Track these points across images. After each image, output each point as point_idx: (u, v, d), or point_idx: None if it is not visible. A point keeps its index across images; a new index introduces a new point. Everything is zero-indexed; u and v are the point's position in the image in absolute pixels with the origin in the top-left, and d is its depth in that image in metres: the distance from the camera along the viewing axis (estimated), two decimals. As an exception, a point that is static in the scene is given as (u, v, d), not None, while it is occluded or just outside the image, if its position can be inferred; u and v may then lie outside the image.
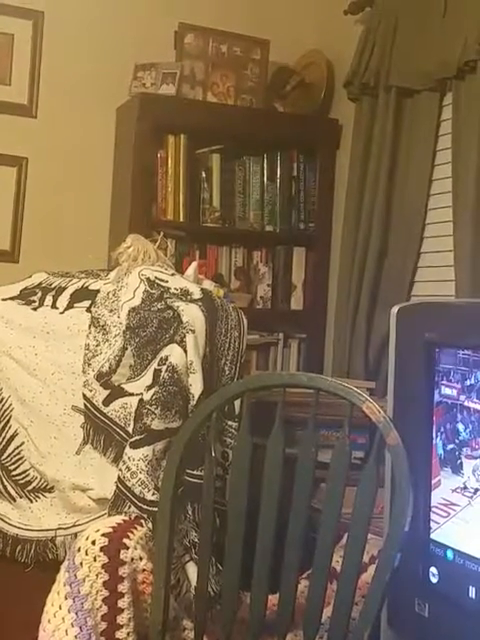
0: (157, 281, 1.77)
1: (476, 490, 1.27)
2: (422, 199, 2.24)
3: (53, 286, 1.84)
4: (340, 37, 2.59)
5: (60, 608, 1.38)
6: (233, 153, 2.59)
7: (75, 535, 1.60)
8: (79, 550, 1.41)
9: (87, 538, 1.42)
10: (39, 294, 1.82)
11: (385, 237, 2.32)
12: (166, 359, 1.63)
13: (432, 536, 1.35)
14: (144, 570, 1.43)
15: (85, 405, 1.69)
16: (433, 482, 1.34)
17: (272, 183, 2.63)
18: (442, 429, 1.34)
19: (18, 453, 1.73)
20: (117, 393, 1.67)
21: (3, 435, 1.75)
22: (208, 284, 1.92)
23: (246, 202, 2.60)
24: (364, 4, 2.43)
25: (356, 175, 2.42)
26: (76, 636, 1.36)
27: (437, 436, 1.34)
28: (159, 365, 1.63)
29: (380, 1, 2.39)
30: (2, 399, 1.76)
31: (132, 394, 1.65)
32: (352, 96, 2.46)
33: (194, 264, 1.97)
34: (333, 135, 2.65)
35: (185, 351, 1.63)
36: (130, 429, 1.63)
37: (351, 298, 2.39)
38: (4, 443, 1.74)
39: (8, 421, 1.75)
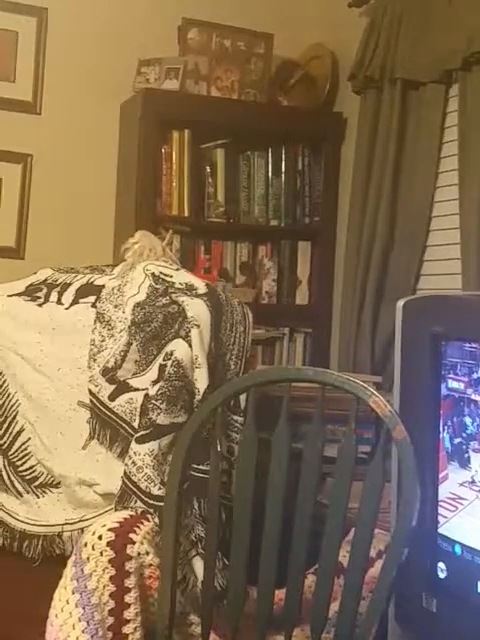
0: (162, 276, 1.77)
1: (483, 484, 1.26)
2: (428, 192, 2.23)
3: (58, 282, 1.84)
4: (344, 30, 2.58)
5: (67, 603, 1.38)
6: (237, 148, 2.58)
7: (82, 530, 1.60)
8: (86, 545, 1.41)
9: (94, 533, 1.42)
10: (44, 290, 1.82)
11: (391, 230, 2.31)
12: (171, 354, 1.63)
13: (440, 531, 1.34)
14: (151, 565, 1.43)
15: (91, 400, 1.69)
16: (440, 476, 1.34)
17: (277, 177, 2.62)
18: (449, 423, 1.33)
19: (25, 449, 1.73)
20: (123, 388, 1.67)
21: (10, 431, 1.75)
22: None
23: (251, 197, 2.60)
24: (368, -4, 2.42)
25: (361, 169, 2.41)
26: (83, 631, 1.36)
27: (444, 430, 1.34)
28: (164, 360, 1.63)
29: (384, -7, 2.37)
30: (9, 395, 1.76)
31: (138, 389, 1.65)
32: (357, 89, 2.44)
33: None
34: (338, 129, 2.64)
35: (190, 346, 1.63)
36: (136, 424, 1.63)
37: (357, 292, 2.38)
38: (11, 439, 1.75)
39: (15, 417, 1.75)
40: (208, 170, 2.55)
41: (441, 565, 1.34)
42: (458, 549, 1.31)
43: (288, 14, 2.70)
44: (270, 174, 2.61)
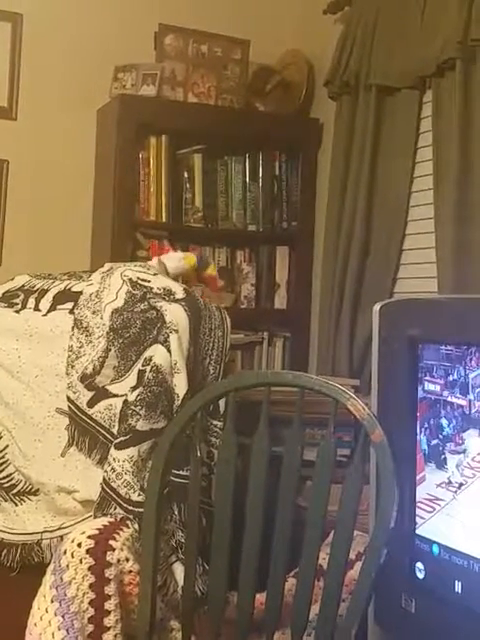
0: (139, 281, 1.77)
1: (460, 485, 1.28)
2: (403, 196, 2.25)
3: (36, 288, 1.83)
4: (320, 37, 2.60)
5: (46, 611, 1.37)
6: (215, 153, 2.59)
7: (61, 538, 1.59)
8: (65, 553, 1.40)
9: (73, 540, 1.41)
10: (21, 296, 1.81)
11: (367, 235, 2.33)
12: (150, 359, 1.63)
13: (418, 531, 1.36)
14: (131, 571, 1.42)
15: (69, 407, 1.68)
16: (418, 478, 1.35)
17: (254, 183, 2.63)
18: (426, 425, 1.34)
19: (2, 456, 1.72)
20: (101, 394, 1.66)
21: (-13, 439, 1.73)
22: (176, 258, 1.90)
23: (229, 202, 2.60)
24: (343, 3, 2.45)
25: (337, 173, 2.43)
26: (63, 639, 1.35)
27: (421, 432, 1.35)
28: (143, 366, 1.63)
29: (359, 0, 2.40)
30: (-15, 403, 1.74)
31: (116, 395, 1.64)
32: (332, 95, 2.46)
33: (155, 259, 1.95)
34: (314, 134, 2.66)
35: (169, 351, 1.63)
36: (115, 430, 1.62)
37: (335, 296, 2.39)
38: (-12, 447, 1.73)
39: (-8, 425, 1.74)
40: (186, 175, 2.56)
41: (419, 565, 1.35)
42: (436, 549, 1.32)
43: (264, 20, 2.72)
44: (247, 179, 2.62)
